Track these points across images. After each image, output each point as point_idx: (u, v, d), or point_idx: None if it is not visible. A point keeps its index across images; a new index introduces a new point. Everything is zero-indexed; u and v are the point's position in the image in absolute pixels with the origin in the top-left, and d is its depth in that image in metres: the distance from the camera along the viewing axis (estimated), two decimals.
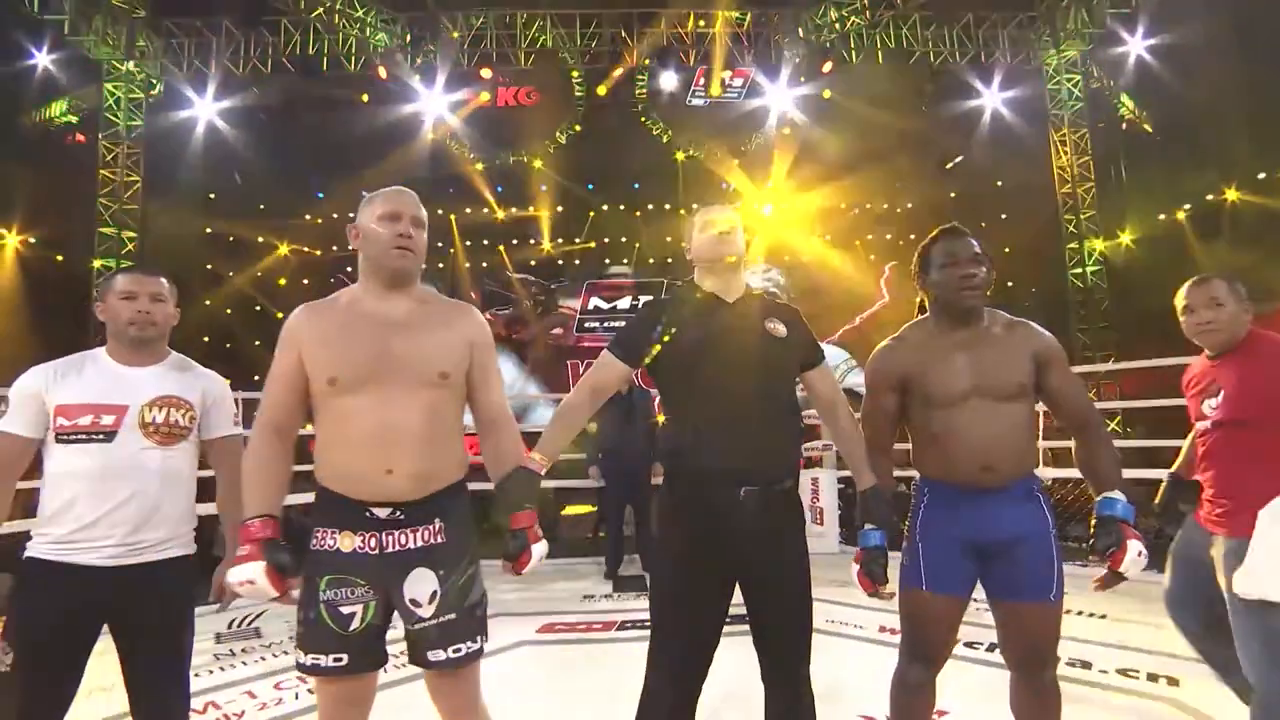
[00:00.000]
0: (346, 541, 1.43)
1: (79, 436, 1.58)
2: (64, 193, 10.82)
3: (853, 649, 3.13)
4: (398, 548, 1.43)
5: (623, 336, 1.73)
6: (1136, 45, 10.29)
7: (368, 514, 1.43)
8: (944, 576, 1.65)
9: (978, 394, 1.63)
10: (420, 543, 1.45)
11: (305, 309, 1.54)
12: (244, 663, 3.12)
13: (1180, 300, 1.93)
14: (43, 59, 9.67)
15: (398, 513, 1.44)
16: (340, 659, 1.41)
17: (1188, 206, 11.77)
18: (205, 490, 1.78)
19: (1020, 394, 1.65)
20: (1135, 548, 1.53)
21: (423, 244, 1.56)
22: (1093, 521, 1.62)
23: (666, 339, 1.66)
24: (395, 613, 1.48)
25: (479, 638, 1.50)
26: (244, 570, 1.34)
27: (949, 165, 13.20)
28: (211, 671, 3.01)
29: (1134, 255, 11.87)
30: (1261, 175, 10.84)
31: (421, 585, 1.44)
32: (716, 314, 1.68)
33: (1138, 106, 11.33)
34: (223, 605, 1.75)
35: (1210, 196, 11.52)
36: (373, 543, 1.43)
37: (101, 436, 1.58)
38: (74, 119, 10.68)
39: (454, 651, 1.45)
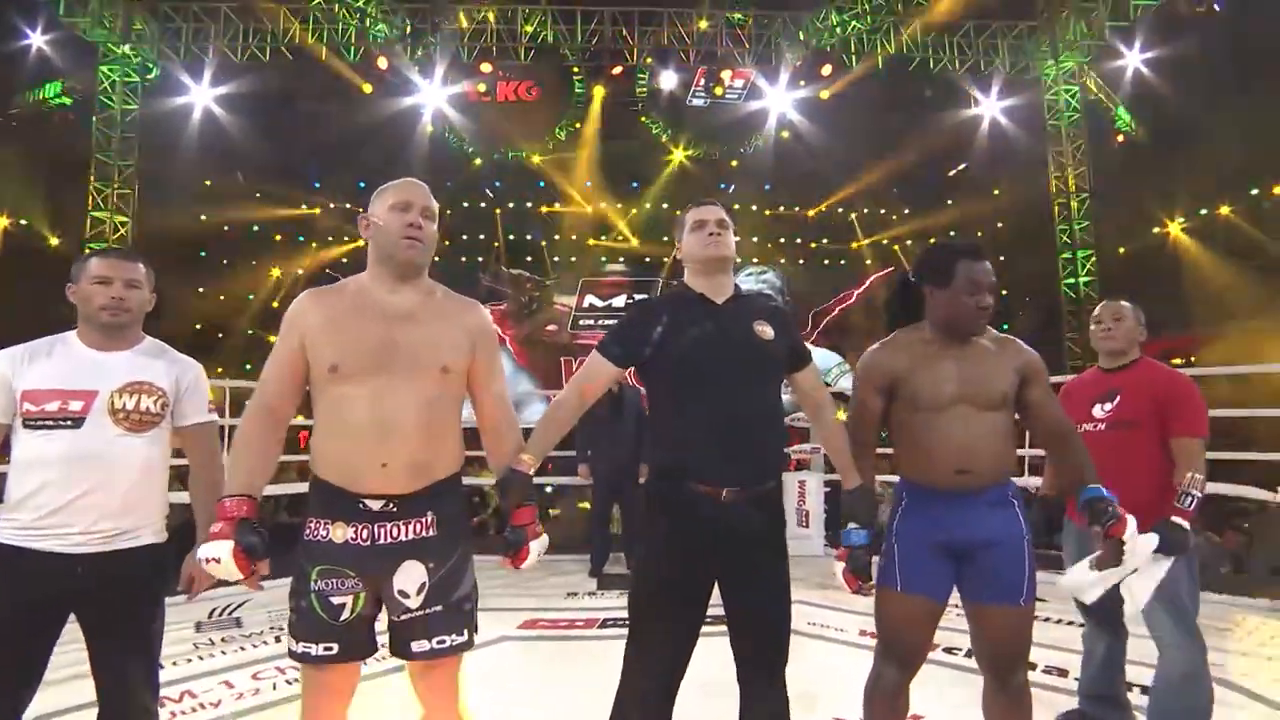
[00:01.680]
0: (339, 532, 1.43)
1: (46, 422, 1.55)
2: (56, 176, 10.74)
3: (832, 652, 3.14)
4: (389, 540, 1.43)
5: (611, 338, 1.73)
6: (1134, 59, 10.35)
7: (361, 505, 1.43)
8: (918, 577, 1.67)
9: (963, 401, 1.66)
10: (411, 535, 1.45)
11: (311, 295, 1.53)
12: (223, 652, 3.10)
13: (1094, 316, 2.28)
14: (37, 39, 9.58)
15: (391, 505, 1.44)
16: (330, 648, 1.43)
17: (1181, 220, 11.86)
18: (182, 478, 1.76)
19: (1003, 404, 1.69)
20: (1133, 521, 1.60)
21: (432, 235, 1.55)
22: (1082, 509, 1.65)
23: (654, 341, 1.66)
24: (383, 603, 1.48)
25: (465, 631, 1.50)
26: (212, 548, 1.34)
27: (951, 173, 13.19)
28: (189, 660, 2.98)
29: (1127, 267, 11.95)
30: (1255, 191, 10.93)
31: (410, 577, 1.45)
32: (705, 316, 1.69)
33: (1134, 119, 11.39)
34: (190, 595, 1.74)
35: (1204, 211, 11.62)
36: (365, 534, 1.43)
37: (70, 422, 1.55)
38: (67, 101, 10.59)
39: (438, 643, 1.45)
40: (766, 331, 1.68)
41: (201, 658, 3.03)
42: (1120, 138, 11.89)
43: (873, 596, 1.73)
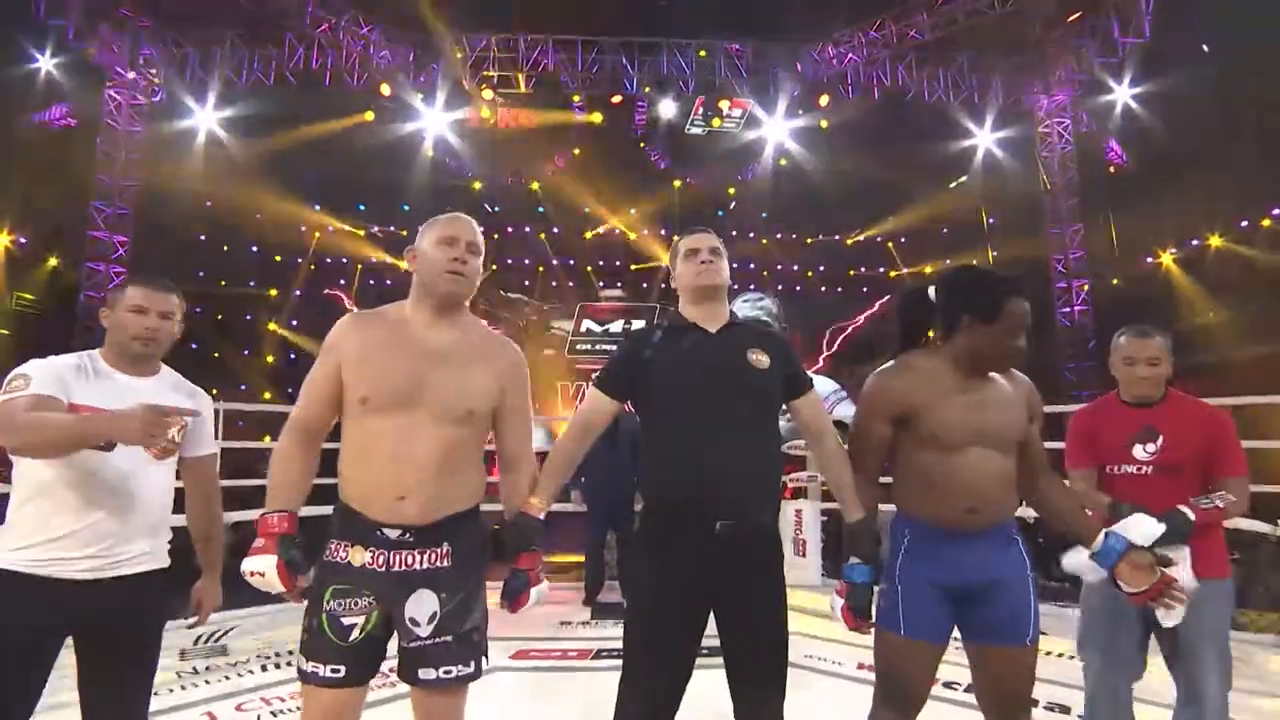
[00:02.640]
0: (357, 556, 1.46)
1: None
2: (58, 195, 10.81)
3: (830, 685, 3.07)
4: (403, 567, 1.46)
5: (607, 372, 1.73)
6: (1123, 93, 10.57)
7: (379, 533, 1.46)
8: (923, 622, 1.61)
9: (981, 442, 1.60)
10: (426, 565, 1.47)
11: (353, 319, 1.57)
12: (206, 681, 3.02)
13: (1123, 350, 2.07)
14: (45, 63, 9.70)
15: (407, 535, 1.46)
16: (338, 670, 1.43)
17: (1173, 250, 12.01)
18: (178, 504, 1.77)
19: (1015, 444, 1.65)
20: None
21: (476, 270, 1.58)
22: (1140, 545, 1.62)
23: (648, 371, 1.66)
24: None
25: (473, 662, 1.49)
26: (257, 562, 1.39)
27: (953, 185, 13.22)
28: (171, 690, 2.90)
29: (1120, 295, 12.07)
30: (1244, 223, 11.09)
31: (422, 606, 1.46)
32: (698, 344, 1.67)
33: (1124, 152, 11.59)
34: (198, 620, 1.75)
35: (1195, 241, 11.77)
36: (381, 560, 1.45)
37: (103, 444, 1.54)
38: (73, 122, 10.70)
39: (444, 673, 1.46)
40: (762, 360, 1.65)
41: (184, 687, 2.95)
42: (1111, 169, 12.10)
43: (871, 634, 1.67)
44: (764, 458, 1.66)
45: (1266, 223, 10.91)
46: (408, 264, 1.60)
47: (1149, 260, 12.18)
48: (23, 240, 10.98)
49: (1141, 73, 10.27)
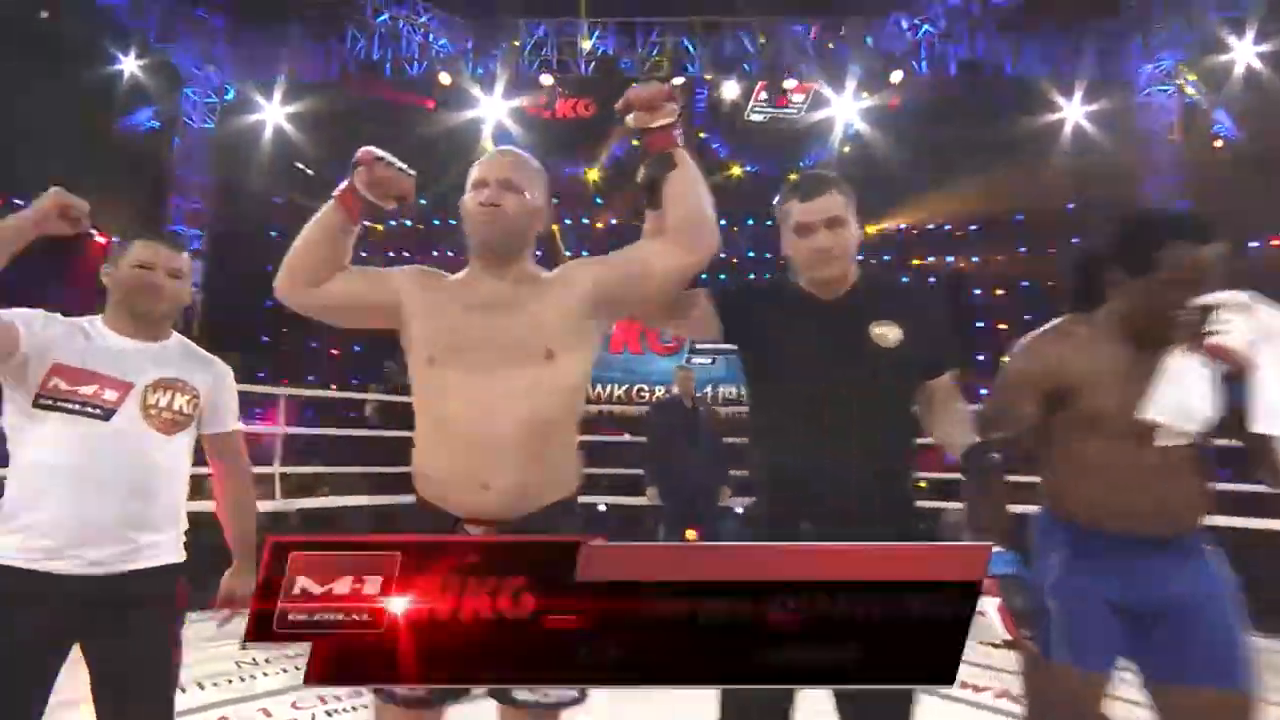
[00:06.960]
0: None
1: (72, 406, 1.36)
2: (140, 192, 11.30)
3: (962, 714, 2.66)
4: None
5: (728, 294, 1.49)
6: (1245, 52, 9.41)
7: (460, 531, 1.26)
8: (1087, 647, 1.29)
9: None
10: None
11: (419, 270, 1.44)
12: (265, 674, 2.92)
13: None
14: (129, 65, 10.06)
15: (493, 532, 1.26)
16: (415, 688, 1.21)
17: None
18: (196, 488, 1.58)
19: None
20: None
21: (516, 206, 1.33)
22: None
23: (760, 333, 1.43)
24: None
25: (578, 689, 1.27)
26: None
27: (1040, 169, 12.22)
28: (230, 681, 2.81)
29: (1232, 283, 10.98)
30: None
31: None
32: (809, 319, 1.41)
33: (1240, 124, 10.48)
34: (224, 620, 1.54)
35: None
36: None
37: (99, 411, 1.38)
38: (157, 124, 11.18)
39: (544, 695, 1.23)
40: (888, 336, 1.36)
41: (244, 679, 2.85)
42: (1219, 143, 10.97)
43: (1024, 653, 1.32)
44: (879, 457, 1.34)
45: None
46: (460, 222, 1.41)
47: (1274, 244, 11.03)
48: (116, 238, 11.53)
49: (1269, 27, 9.11)
